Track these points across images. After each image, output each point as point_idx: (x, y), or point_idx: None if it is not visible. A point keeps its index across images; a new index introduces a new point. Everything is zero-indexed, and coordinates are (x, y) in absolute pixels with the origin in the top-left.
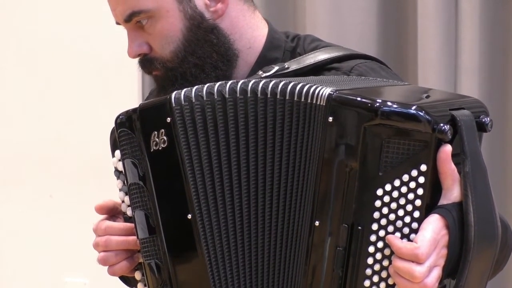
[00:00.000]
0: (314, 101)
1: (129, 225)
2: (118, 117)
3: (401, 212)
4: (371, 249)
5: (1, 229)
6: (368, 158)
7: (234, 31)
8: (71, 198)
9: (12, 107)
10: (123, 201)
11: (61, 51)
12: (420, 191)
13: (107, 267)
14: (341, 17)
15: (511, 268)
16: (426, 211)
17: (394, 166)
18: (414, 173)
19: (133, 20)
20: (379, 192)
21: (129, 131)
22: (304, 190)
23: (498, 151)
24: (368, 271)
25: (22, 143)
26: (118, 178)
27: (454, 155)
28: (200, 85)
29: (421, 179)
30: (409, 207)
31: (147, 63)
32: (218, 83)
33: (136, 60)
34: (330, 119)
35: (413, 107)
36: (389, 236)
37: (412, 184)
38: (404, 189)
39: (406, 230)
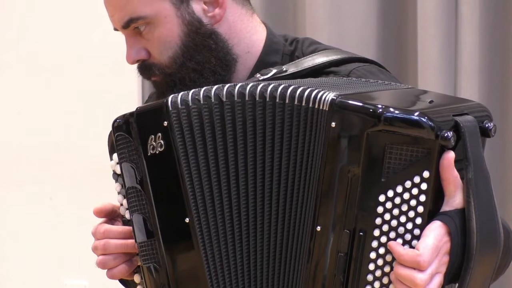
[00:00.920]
0: (316, 106)
1: (128, 228)
2: (115, 120)
3: (403, 219)
4: (373, 255)
5: (1, 231)
6: (371, 164)
7: (233, 36)
8: (71, 200)
9: (12, 109)
10: (121, 204)
11: (61, 53)
12: (422, 198)
13: (106, 270)
14: (341, 20)
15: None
16: (429, 217)
17: (396, 172)
18: (417, 179)
19: (131, 26)
20: (381, 198)
21: (126, 135)
22: (306, 194)
23: (498, 152)
24: (370, 277)
25: (22, 146)
26: (116, 181)
27: (457, 161)
28: (197, 89)
29: (424, 186)
30: (412, 214)
31: (145, 69)
32: (215, 86)
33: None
34: (333, 124)
35: (417, 113)
36: (391, 243)
37: (415, 191)
38: (406, 196)
39: (408, 237)
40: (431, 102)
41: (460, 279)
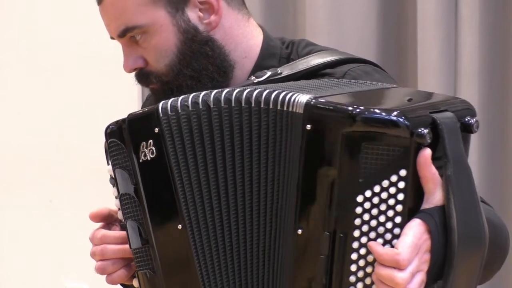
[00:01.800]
0: (291, 109)
1: (125, 233)
2: (108, 127)
3: (382, 218)
4: (354, 256)
5: (1, 233)
6: (348, 165)
7: (229, 41)
8: (71, 202)
9: (12, 111)
10: (119, 209)
11: (61, 55)
12: (400, 196)
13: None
14: (341, 21)
15: (511, 269)
16: (409, 216)
17: (374, 172)
18: (394, 178)
19: (127, 35)
20: (360, 198)
21: (119, 142)
22: (286, 199)
23: (498, 154)
24: (352, 278)
25: (22, 148)
26: (114, 186)
27: (436, 159)
28: (186, 95)
29: (401, 184)
30: (391, 213)
31: (143, 77)
32: (203, 92)
33: None
34: (309, 126)
35: (393, 113)
36: (370, 243)
37: (392, 190)
38: (384, 195)
39: (388, 236)
40: (409, 100)
41: (444, 277)
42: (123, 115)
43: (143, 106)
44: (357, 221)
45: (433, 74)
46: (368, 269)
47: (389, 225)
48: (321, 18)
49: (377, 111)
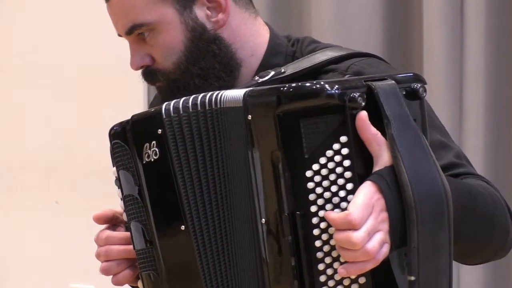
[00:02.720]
0: (233, 105)
1: (130, 234)
2: (112, 128)
3: (334, 188)
4: (316, 231)
5: (7, 235)
6: (291, 144)
7: (236, 40)
8: (76, 204)
9: (17, 114)
10: (124, 210)
11: (66, 58)
12: (347, 163)
13: (111, 276)
14: (346, 23)
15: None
16: (360, 182)
17: (317, 145)
18: (336, 146)
19: (134, 32)
20: (309, 173)
21: (122, 143)
22: (240, 193)
23: (504, 155)
24: (320, 254)
25: (27, 150)
26: (119, 187)
27: (378, 122)
28: (187, 96)
29: (345, 151)
30: (341, 181)
31: (150, 75)
32: (202, 94)
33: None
34: (249, 116)
35: (318, 85)
36: (325, 213)
37: (338, 158)
38: (331, 165)
39: (344, 205)
40: (350, 76)
41: (408, 234)
42: (129, 117)
43: (150, 105)
44: (312, 196)
45: (439, 76)
46: (332, 242)
47: (342, 193)
48: (326, 20)
49: (305, 85)
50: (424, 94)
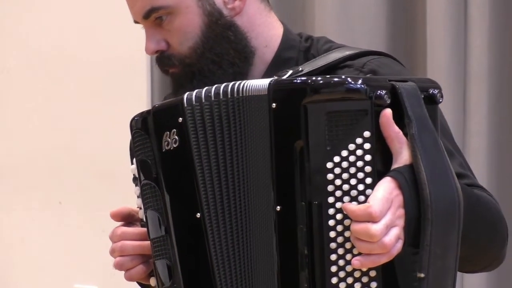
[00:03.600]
0: (257, 93)
1: (145, 230)
2: (133, 118)
3: (353, 181)
4: (332, 222)
5: (11, 235)
6: (314, 135)
7: (251, 28)
8: (80, 204)
9: (21, 114)
10: (140, 208)
11: (70, 58)
12: (368, 157)
13: (122, 272)
14: (350, 23)
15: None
16: (379, 177)
17: (340, 138)
18: (359, 140)
19: (151, 16)
20: (329, 165)
21: (143, 132)
22: (260, 180)
23: (508, 155)
24: (333, 245)
25: (31, 150)
26: (136, 185)
27: (400, 121)
28: (210, 86)
29: (367, 146)
30: (361, 175)
31: (164, 59)
32: (224, 84)
33: (146, 66)
34: (274, 105)
35: (348, 79)
36: (344, 204)
37: (359, 152)
38: (352, 158)
39: (362, 198)
40: (372, 75)
41: (421, 231)
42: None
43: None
44: (330, 188)
45: (442, 76)
46: (347, 234)
47: (361, 187)
48: (330, 20)
49: (333, 79)
50: (441, 99)
